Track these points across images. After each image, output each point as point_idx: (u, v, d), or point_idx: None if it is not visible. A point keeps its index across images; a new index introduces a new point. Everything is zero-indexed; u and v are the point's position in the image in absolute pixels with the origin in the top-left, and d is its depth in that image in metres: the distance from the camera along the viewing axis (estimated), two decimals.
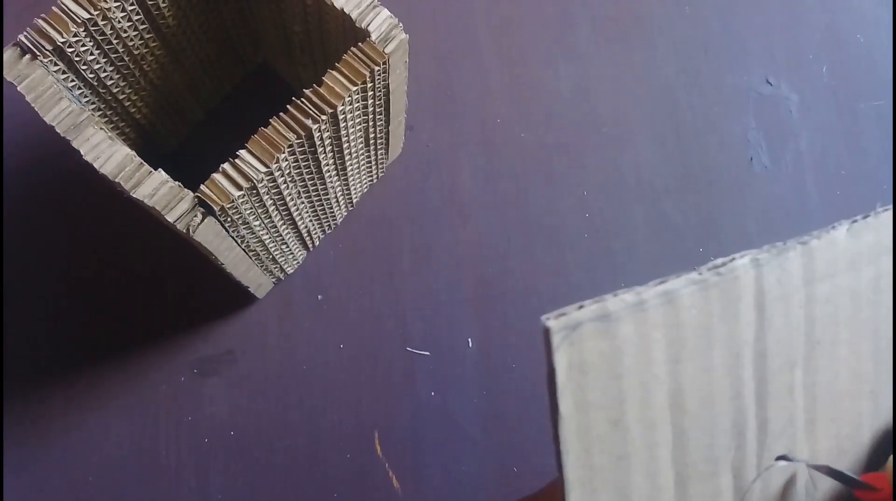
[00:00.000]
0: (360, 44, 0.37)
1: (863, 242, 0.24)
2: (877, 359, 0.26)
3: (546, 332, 0.20)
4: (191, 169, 0.39)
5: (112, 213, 0.52)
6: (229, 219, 0.36)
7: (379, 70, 0.38)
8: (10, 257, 0.51)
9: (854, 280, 0.25)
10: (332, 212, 0.49)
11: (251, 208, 0.37)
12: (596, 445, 0.21)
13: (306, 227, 0.47)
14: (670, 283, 0.22)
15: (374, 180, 0.53)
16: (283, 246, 0.46)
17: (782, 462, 0.25)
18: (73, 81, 0.39)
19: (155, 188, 0.34)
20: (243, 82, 0.54)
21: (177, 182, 0.34)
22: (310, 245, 0.51)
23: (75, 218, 0.52)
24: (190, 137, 0.53)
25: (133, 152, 0.35)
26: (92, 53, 0.39)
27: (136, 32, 0.41)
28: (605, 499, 0.22)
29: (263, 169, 0.35)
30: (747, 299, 0.23)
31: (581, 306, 0.21)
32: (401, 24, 0.38)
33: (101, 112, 0.42)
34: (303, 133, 0.36)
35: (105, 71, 0.41)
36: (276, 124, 0.36)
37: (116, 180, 0.34)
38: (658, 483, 0.23)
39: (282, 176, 0.37)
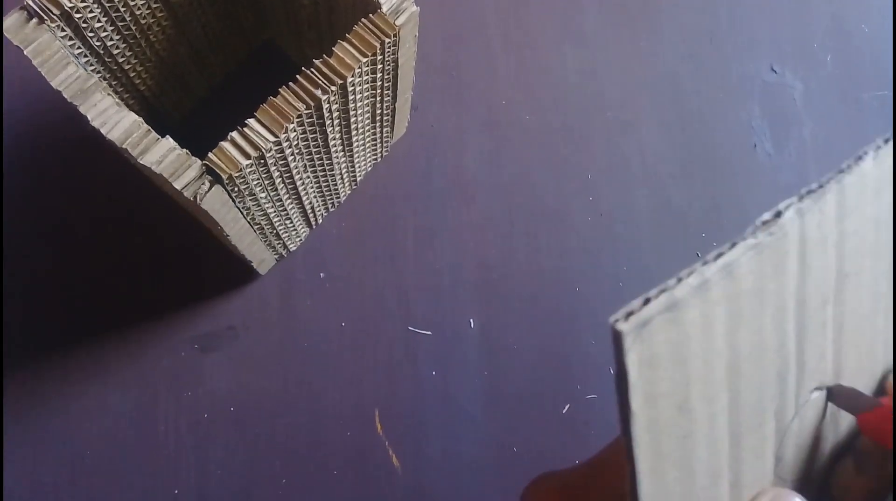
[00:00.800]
0: (370, 15, 0.37)
1: (885, 166, 0.24)
2: (890, 277, 0.27)
3: (617, 336, 0.19)
4: (194, 144, 0.39)
5: (115, 186, 0.51)
6: (236, 189, 0.36)
7: (389, 42, 0.37)
8: (9, 228, 0.50)
9: (876, 208, 0.25)
10: (337, 189, 0.49)
11: (258, 179, 0.37)
12: (664, 432, 0.21)
13: (310, 203, 0.47)
14: (729, 254, 0.21)
15: (379, 159, 0.53)
16: (288, 221, 0.45)
17: (815, 394, 0.25)
18: (79, 48, 0.39)
19: (163, 155, 0.34)
20: (249, 59, 0.54)
21: (185, 150, 0.34)
22: (313, 223, 0.50)
23: (76, 190, 0.51)
24: (194, 113, 0.53)
25: (141, 119, 0.34)
26: (99, 20, 0.38)
27: (143, 1, 0.40)
28: (673, 478, 0.22)
29: (272, 138, 0.35)
30: (793, 251, 0.23)
31: (647, 300, 0.20)
32: None
33: (105, 82, 0.42)
34: (312, 104, 0.35)
35: (111, 39, 0.40)
36: (285, 94, 0.35)
37: (124, 146, 0.34)
38: (717, 448, 0.23)
39: (290, 147, 0.37)
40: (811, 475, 0.27)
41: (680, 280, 0.20)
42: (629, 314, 0.19)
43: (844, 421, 0.27)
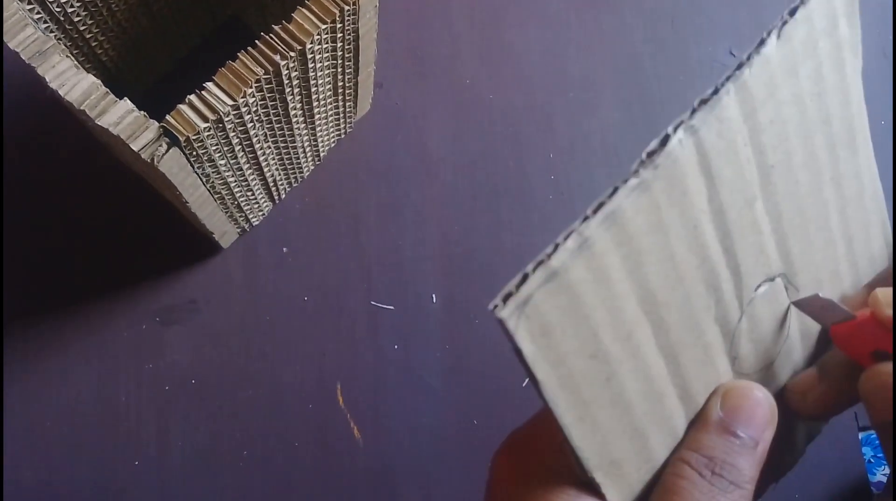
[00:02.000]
0: None
1: (796, 42, 0.23)
2: (831, 144, 0.25)
3: (500, 322, 0.19)
4: (156, 115, 0.39)
5: (77, 157, 0.51)
6: (195, 153, 0.36)
7: (349, 11, 0.38)
8: None
9: (794, 86, 0.23)
10: (300, 163, 0.49)
11: (217, 145, 0.37)
12: (583, 383, 0.21)
13: (272, 176, 0.47)
14: (610, 203, 0.20)
15: (343, 135, 0.54)
16: (249, 193, 0.46)
17: (762, 289, 0.25)
18: (38, 13, 0.39)
19: (120, 117, 0.34)
20: (213, 34, 0.54)
21: (142, 112, 0.34)
22: (276, 197, 0.51)
23: (36, 160, 0.51)
24: (156, 86, 0.53)
25: (99, 81, 0.34)
26: None
27: None
28: (606, 417, 0.22)
29: (230, 102, 0.35)
30: (692, 171, 0.21)
31: (525, 276, 0.19)
32: None
33: (66, 49, 0.42)
34: (271, 69, 0.36)
35: (73, 6, 0.40)
36: (244, 59, 0.36)
37: (81, 108, 0.34)
38: (651, 374, 0.22)
39: (248, 113, 0.37)
40: (773, 366, 0.27)
41: (557, 247, 0.19)
42: (507, 297, 0.19)
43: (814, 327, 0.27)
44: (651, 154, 0.21)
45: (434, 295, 0.52)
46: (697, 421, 0.24)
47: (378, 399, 0.50)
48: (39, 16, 0.39)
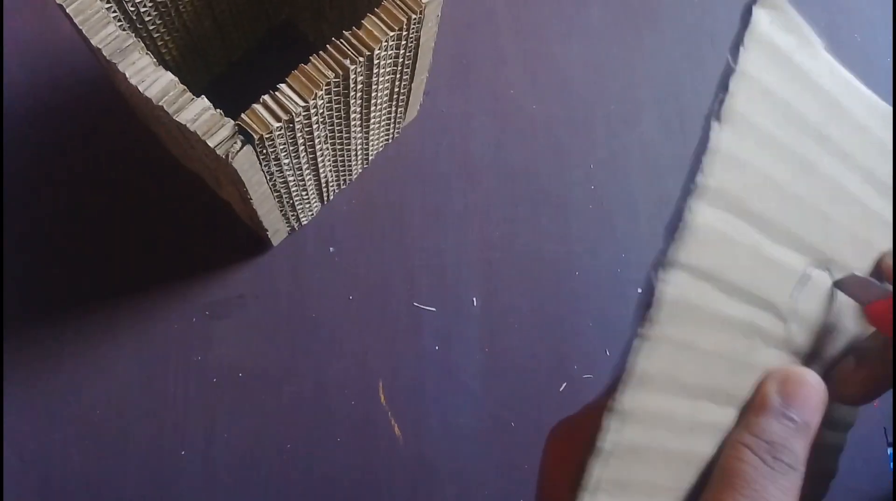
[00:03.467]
0: None
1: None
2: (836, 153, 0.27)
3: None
4: None
5: (136, 156, 0.53)
6: (265, 151, 0.37)
7: (415, 19, 0.39)
8: (29, 194, 0.51)
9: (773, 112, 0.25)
10: (350, 165, 0.50)
11: (284, 144, 0.39)
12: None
13: (325, 176, 0.48)
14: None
15: (390, 140, 0.55)
16: (304, 192, 0.47)
17: (811, 271, 0.26)
18: (114, 12, 0.40)
19: (197, 114, 0.35)
20: (267, 37, 0.55)
21: (218, 110, 0.36)
22: (325, 198, 0.52)
23: (95, 159, 0.53)
24: (212, 85, 0.54)
25: (176, 79, 0.36)
26: None
27: None
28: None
29: (302, 103, 0.36)
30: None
31: None
32: None
33: (144, 47, 0.43)
34: (340, 72, 0.37)
35: (145, 6, 0.42)
36: (315, 62, 0.37)
37: (160, 104, 0.35)
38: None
39: (316, 114, 0.39)
40: (821, 352, 0.27)
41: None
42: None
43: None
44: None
45: (475, 299, 0.53)
46: (755, 405, 0.25)
47: (418, 398, 0.51)
48: (115, 14, 0.40)
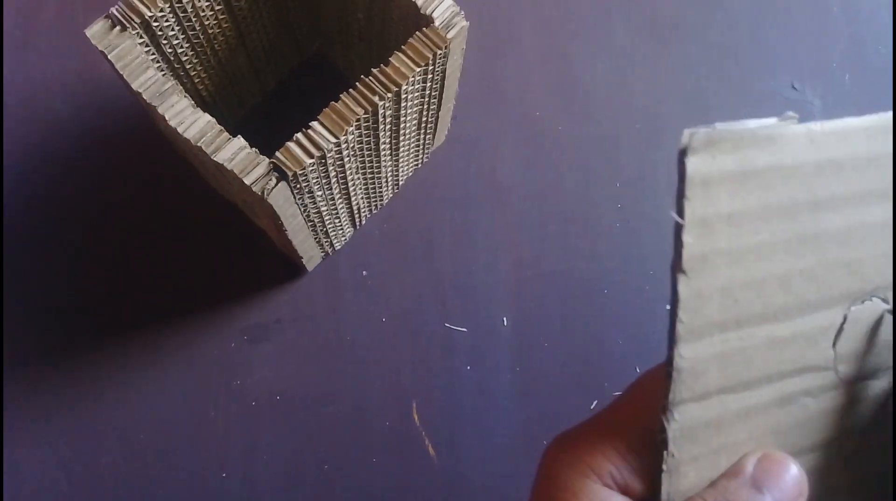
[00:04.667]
0: (424, 28, 0.40)
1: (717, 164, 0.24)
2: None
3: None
4: (249, 144, 0.42)
5: (176, 186, 0.55)
6: (298, 186, 0.39)
7: (440, 54, 0.40)
8: (74, 219, 0.54)
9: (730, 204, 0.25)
10: (381, 192, 0.52)
11: (317, 178, 0.40)
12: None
13: (357, 204, 0.49)
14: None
15: (420, 165, 0.56)
16: (336, 220, 0.48)
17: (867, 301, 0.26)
18: (153, 55, 0.42)
19: (234, 153, 0.37)
20: (299, 69, 0.57)
21: (253, 149, 0.37)
22: (357, 223, 0.53)
23: (139, 189, 0.55)
24: (247, 118, 0.56)
25: (214, 119, 0.37)
26: (173, 29, 0.42)
27: (212, 13, 0.44)
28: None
29: (333, 140, 0.38)
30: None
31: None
32: (462, 12, 0.41)
33: (182, 90, 0.45)
34: (370, 108, 0.38)
35: (182, 47, 0.44)
36: (345, 100, 0.38)
37: (198, 145, 0.37)
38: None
39: (347, 148, 0.40)
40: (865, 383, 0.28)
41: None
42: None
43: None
44: None
45: (505, 319, 0.54)
46: (728, 472, 0.26)
47: (452, 418, 0.52)
48: (153, 56, 0.42)
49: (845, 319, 0.26)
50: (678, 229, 0.23)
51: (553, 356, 0.53)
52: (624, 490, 0.25)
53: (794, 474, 0.25)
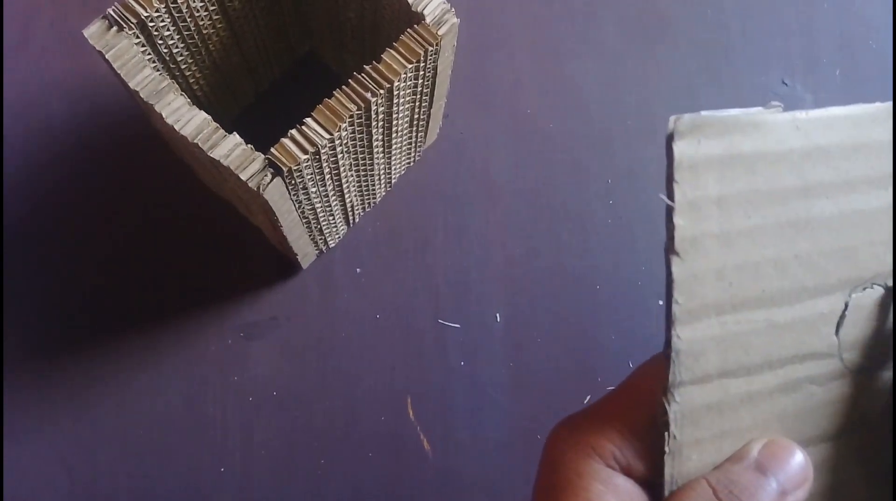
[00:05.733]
0: (415, 25, 0.41)
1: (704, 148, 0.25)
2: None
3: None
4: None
5: (172, 186, 0.55)
6: (293, 181, 0.39)
7: (431, 51, 0.41)
8: (66, 220, 0.54)
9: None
10: (374, 189, 0.52)
11: (311, 174, 0.41)
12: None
13: (351, 201, 0.50)
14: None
15: (412, 163, 0.57)
16: (331, 217, 0.49)
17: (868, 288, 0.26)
18: (149, 54, 0.42)
19: (230, 150, 0.38)
20: (292, 68, 0.58)
21: (249, 145, 0.38)
22: (351, 221, 0.54)
23: (131, 189, 0.55)
24: (241, 117, 0.57)
25: (209, 117, 0.38)
26: (168, 29, 0.42)
27: (206, 13, 0.44)
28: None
29: (327, 136, 0.38)
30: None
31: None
32: (453, 9, 0.41)
33: (178, 88, 0.46)
34: (362, 105, 0.39)
35: (177, 47, 0.44)
36: (339, 96, 0.39)
37: (195, 142, 0.37)
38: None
39: (341, 145, 0.41)
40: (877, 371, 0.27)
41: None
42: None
43: None
44: None
45: (498, 314, 0.55)
46: (733, 456, 0.26)
47: (446, 413, 0.52)
48: (149, 56, 0.43)
49: (846, 306, 0.26)
50: (669, 212, 0.23)
51: (546, 352, 0.54)
52: (627, 472, 0.25)
53: (799, 460, 0.25)
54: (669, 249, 0.23)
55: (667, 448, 0.24)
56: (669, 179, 0.23)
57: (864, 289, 0.26)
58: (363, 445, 0.51)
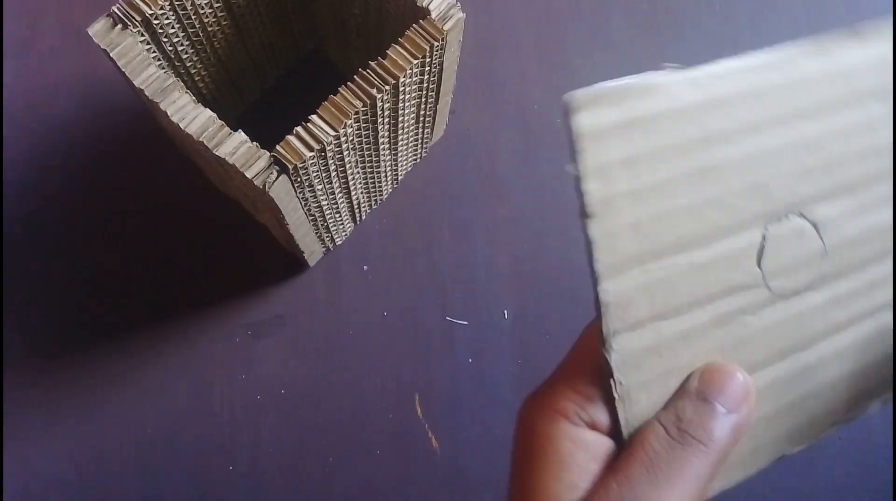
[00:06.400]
0: (421, 21, 0.40)
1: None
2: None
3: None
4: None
5: (176, 185, 0.55)
6: (299, 179, 0.39)
7: (437, 46, 0.41)
8: (73, 222, 0.54)
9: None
10: (380, 186, 0.52)
11: (317, 171, 0.40)
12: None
13: (357, 198, 0.50)
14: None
15: (418, 160, 0.57)
16: (337, 215, 0.49)
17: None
18: (154, 52, 0.42)
19: (235, 147, 0.37)
20: (297, 65, 0.58)
21: (254, 142, 0.38)
22: (358, 218, 0.54)
23: (135, 189, 0.55)
24: (246, 114, 0.56)
25: (214, 115, 0.38)
26: (173, 27, 0.42)
27: (210, 10, 0.44)
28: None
29: (333, 133, 0.38)
30: None
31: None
32: (458, 4, 0.41)
33: (183, 86, 0.46)
34: (368, 101, 0.39)
35: (182, 45, 0.44)
36: (344, 93, 0.39)
37: (200, 139, 0.37)
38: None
39: (346, 142, 0.40)
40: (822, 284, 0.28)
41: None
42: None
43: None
44: None
45: (506, 311, 0.54)
46: (677, 392, 0.27)
47: (454, 410, 0.52)
48: (154, 54, 0.42)
49: (764, 238, 0.27)
50: (577, 180, 0.24)
51: (554, 348, 0.54)
52: (592, 426, 0.26)
53: (738, 379, 0.26)
54: (583, 214, 0.24)
55: (616, 394, 0.25)
56: (573, 150, 0.24)
57: (780, 220, 0.27)
58: (371, 442, 0.51)
